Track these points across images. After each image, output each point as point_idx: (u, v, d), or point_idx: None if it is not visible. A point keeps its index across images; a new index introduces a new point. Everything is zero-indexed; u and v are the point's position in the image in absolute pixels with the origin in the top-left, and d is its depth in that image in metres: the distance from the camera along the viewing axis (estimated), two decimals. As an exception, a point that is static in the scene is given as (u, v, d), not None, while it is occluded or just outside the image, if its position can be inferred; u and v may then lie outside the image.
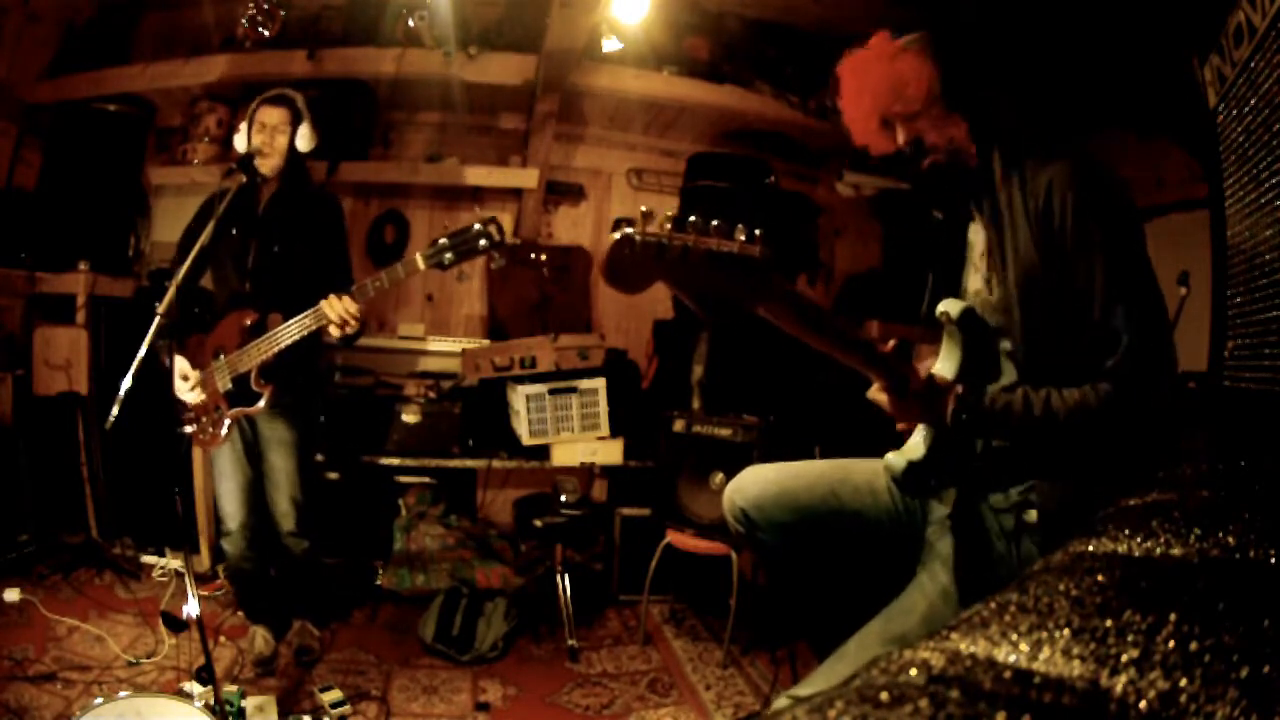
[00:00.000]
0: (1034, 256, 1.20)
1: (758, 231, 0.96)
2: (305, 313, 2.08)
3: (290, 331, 2.10)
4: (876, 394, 1.24)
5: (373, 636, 2.69)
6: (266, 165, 2.27)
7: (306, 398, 2.43)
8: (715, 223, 0.95)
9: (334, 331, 2.08)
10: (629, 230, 0.91)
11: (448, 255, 1.96)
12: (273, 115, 2.28)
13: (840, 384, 1.27)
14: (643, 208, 0.94)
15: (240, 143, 2.34)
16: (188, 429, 2.28)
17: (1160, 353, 1.15)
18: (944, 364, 1.29)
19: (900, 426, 1.29)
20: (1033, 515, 1.23)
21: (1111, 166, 1.22)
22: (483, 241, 1.95)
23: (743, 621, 2.68)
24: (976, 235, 1.35)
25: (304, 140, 2.33)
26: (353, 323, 2.07)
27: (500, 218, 2.02)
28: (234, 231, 2.27)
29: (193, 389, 2.24)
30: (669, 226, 0.92)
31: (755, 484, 1.50)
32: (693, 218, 0.94)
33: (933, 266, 1.44)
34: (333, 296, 2.04)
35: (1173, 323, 2.38)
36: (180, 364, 2.22)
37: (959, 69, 1.26)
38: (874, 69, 1.28)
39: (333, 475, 3.08)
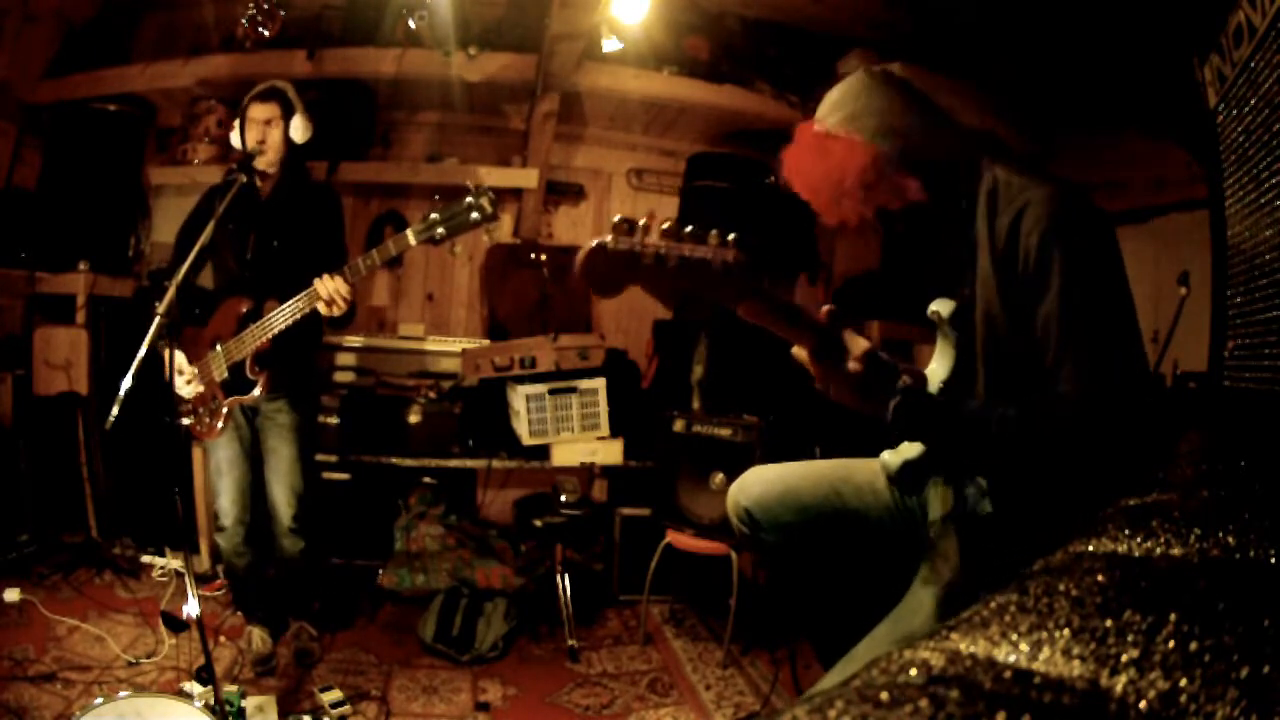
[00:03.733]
0: (995, 295, 1.18)
1: (731, 236, 0.98)
2: (299, 295, 2.09)
3: (284, 314, 2.10)
4: (799, 354, 1.15)
5: (373, 636, 2.69)
6: (264, 162, 2.27)
7: (305, 385, 2.43)
8: (688, 229, 0.96)
9: (322, 309, 2.08)
10: (604, 240, 0.93)
11: (439, 230, 1.95)
12: (263, 110, 2.27)
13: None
14: (615, 217, 0.96)
15: (236, 140, 2.33)
16: (185, 420, 2.27)
17: (1105, 415, 1.10)
18: (938, 363, 1.29)
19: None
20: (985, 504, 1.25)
21: (1088, 198, 1.18)
22: (474, 214, 1.93)
23: (743, 621, 2.68)
24: (954, 259, 1.35)
25: (298, 132, 2.31)
26: (340, 302, 2.07)
27: (500, 217, 2.01)
28: (232, 225, 2.26)
29: (189, 383, 2.23)
30: (642, 234, 0.94)
31: (759, 484, 1.51)
32: (666, 224, 0.95)
33: (927, 276, 1.43)
34: (325, 275, 2.06)
35: (1174, 321, 2.39)
36: (178, 358, 2.22)
37: (889, 137, 1.21)
38: (808, 164, 1.25)
39: (343, 475, 3.09)
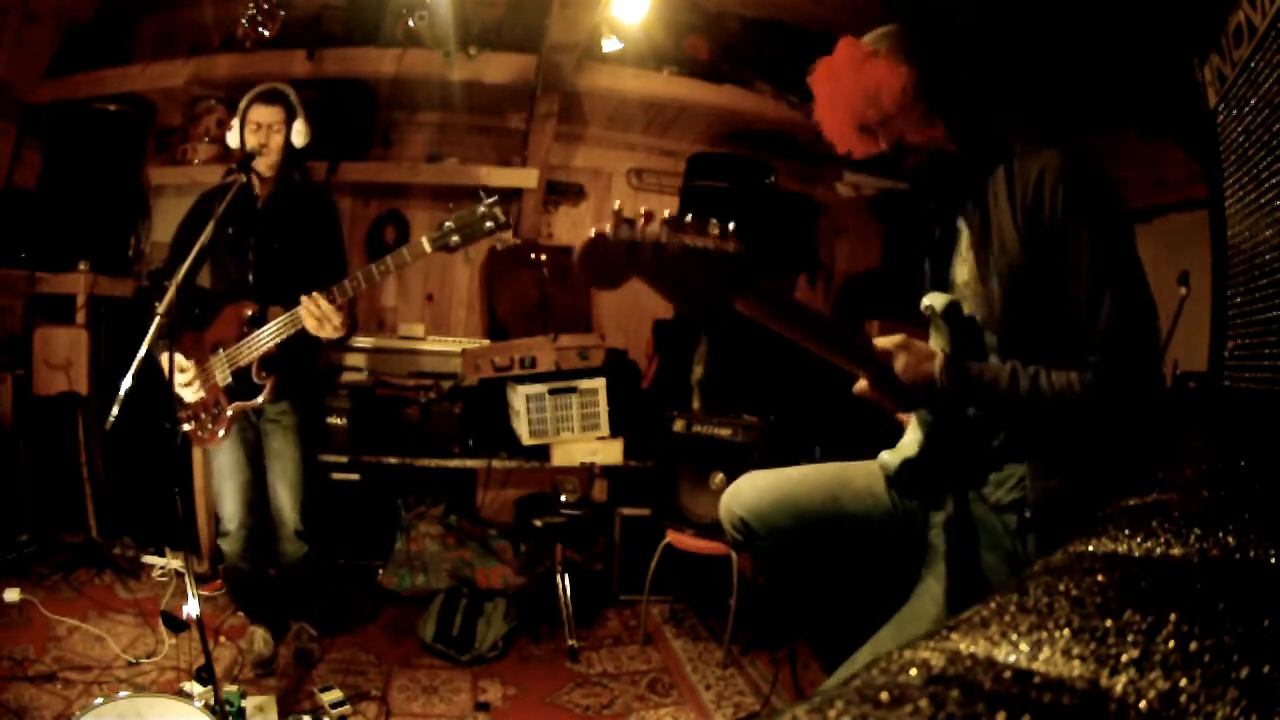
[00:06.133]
0: (1018, 247, 1.19)
1: (731, 226, 0.97)
2: (285, 314, 2.07)
3: (274, 329, 2.09)
4: (862, 389, 1.23)
5: (373, 636, 2.69)
6: (264, 164, 2.27)
7: (309, 387, 2.42)
8: (689, 218, 0.95)
9: (311, 329, 2.04)
10: (603, 229, 0.92)
11: (454, 238, 1.96)
12: (268, 114, 2.27)
13: (840, 383, 1.26)
14: (615, 203, 0.96)
15: (233, 139, 2.33)
16: (185, 426, 2.26)
17: (1144, 347, 1.15)
18: None
19: (900, 417, 1.28)
20: (1026, 513, 1.23)
21: (1100, 163, 1.22)
22: (489, 224, 1.96)
23: (743, 621, 2.68)
24: (964, 225, 1.35)
25: (299, 136, 2.32)
26: (329, 324, 2.04)
27: (510, 225, 2.02)
28: (231, 230, 2.26)
29: (189, 384, 2.21)
30: (642, 223, 0.93)
31: (753, 491, 1.49)
32: (667, 213, 0.94)
33: (926, 256, 1.43)
34: (313, 295, 2.02)
35: (1174, 321, 2.38)
36: (177, 358, 2.20)
37: (934, 70, 1.25)
38: (845, 78, 1.25)
39: (352, 476, 3.09)
